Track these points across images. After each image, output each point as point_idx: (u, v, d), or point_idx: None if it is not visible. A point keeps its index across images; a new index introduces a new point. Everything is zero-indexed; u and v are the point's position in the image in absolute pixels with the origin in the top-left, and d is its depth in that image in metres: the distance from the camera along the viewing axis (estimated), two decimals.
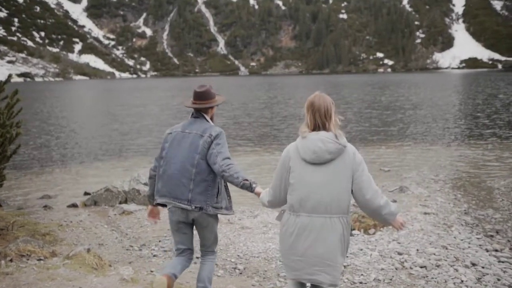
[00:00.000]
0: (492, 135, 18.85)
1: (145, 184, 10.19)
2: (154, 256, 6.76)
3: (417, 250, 6.49)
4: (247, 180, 3.94)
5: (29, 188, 12.20)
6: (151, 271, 5.99)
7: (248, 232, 7.67)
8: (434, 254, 6.30)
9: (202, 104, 4.24)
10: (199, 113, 4.27)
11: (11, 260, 5.73)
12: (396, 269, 5.89)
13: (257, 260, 6.43)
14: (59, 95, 63.74)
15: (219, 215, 4.31)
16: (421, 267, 5.90)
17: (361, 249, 6.63)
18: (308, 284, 3.61)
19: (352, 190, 3.36)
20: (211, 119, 4.31)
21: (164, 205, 4.33)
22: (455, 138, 18.60)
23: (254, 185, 3.95)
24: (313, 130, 3.43)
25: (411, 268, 5.89)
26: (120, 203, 9.87)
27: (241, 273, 6.01)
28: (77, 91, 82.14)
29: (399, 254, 6.38)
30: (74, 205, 10.03)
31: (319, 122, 3.41)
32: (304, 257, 3.36)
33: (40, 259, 6.08)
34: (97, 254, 5.95)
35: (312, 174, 3.34)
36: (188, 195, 4.04)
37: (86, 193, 11.16)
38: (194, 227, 4.33)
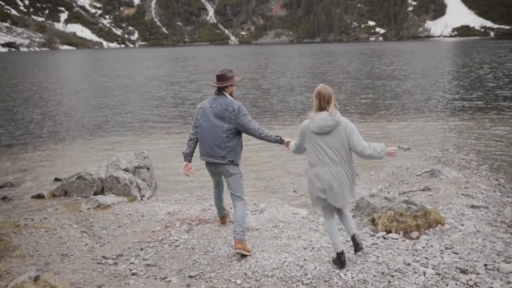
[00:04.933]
0: None
1: (125, 170, 8.43)
2: (133, 274, 5.08)
3: (486, 266, 4.85)
4: (278, 136, 5.55)
5: None
6: None
7: (255, 236, 5.99)
8: None
9: (220, 84, 5.43)
10: (219, 91, 5.49)
11: None
12: None
13: (271, 282, 4.77)
14: (42, 66, 61.03)
15: None
16: None
17: (408, 264, 4.97)
18: None
19: (350, 148, 4.78)
20: (231, 94, 5.54)
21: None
22: (474, 111, 16.83)
23: (283, 138, 5.54)
24: (319, 110, 4.78)
25: None
26: (96, 193, 8.17)
27: None
28: (62, 61, 79.18)
29: (464, 272, 4.74)
30: (40, 196, 8.38)
31: (323, 105, 4.76)
32: (322, 192, 4.83)
33: None
34: (49, 283, 4.23)
35: (320, 140, 4.79)
36: (222, 153, 5.39)
37: (56, 179, 9.47)
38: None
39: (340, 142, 4.74)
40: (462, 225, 5.98)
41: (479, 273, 4.69)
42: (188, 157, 5.66)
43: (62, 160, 11.48)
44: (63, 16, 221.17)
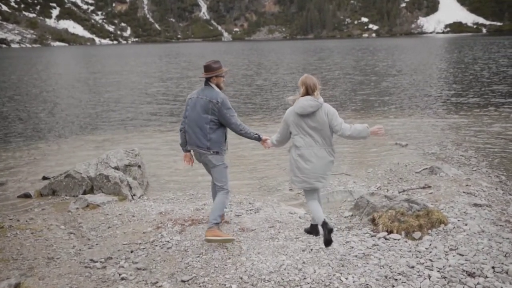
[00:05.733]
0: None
1: (115, 168, 8.14)
2: (123, 279, 4.81)
3: (493, 268, 4.62)
4: (257, 134, 5.67)
5: None
6: None
7: (250, 237, 5.72)
8: None
9: (206, 75, 5.53)
10: (206, 82, 5.58)
11: None
12: None
13: (268, 287, 4.52)
14: (33, 62, 60.41)
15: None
16: None
17: (412, 266, 4.73)
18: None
19: (332, 131, 5.14)
20: (218, 86, 5.60)
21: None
22: (471, 107, 16.60)
23: (261, 136, 5.68)
24: (303, 96, 5.15)
25: None
26: (85, 192, 7.89)
27: None
28: (53, 57, 78.42)
29: (471, 276, 4.50)
30: (26, 196, 8.09)
31: (309, 92, 5.12)
32: (306, 174, 5.16)
33: None
34: None
35: (304, 123, 5.12)
36: (207, 144, 5.46)
37: (44, 178, 9.16)
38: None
39: (322, 125, 5.08)
40: (466, 224, 5.74)
41: (487, 277, 4.46)
42: (184, 146, 5.78)
43: (50, 158, 11.16)
44: (55, 12, 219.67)
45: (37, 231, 6.18)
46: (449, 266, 4.71)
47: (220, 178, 5.64)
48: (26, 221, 6.65)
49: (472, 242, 5.25)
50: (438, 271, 4.64)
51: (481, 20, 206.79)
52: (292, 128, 5.21)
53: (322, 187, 5.39)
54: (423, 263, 4.81)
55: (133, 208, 7.11)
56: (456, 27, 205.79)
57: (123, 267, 5.09)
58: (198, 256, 5.23)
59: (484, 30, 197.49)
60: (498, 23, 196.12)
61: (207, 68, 5.53)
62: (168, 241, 5.69)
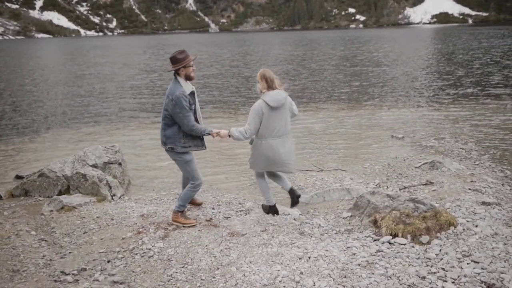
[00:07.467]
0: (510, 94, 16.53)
1: (93, 166, 7.51)
2: None
3: None
4: (207, 131, 5.51)
5: None
6: None
7: (241, 243, 5.16)
8: None
9: (174, 67, 5.39)
10: (174, 74, 5.47)
11: None
12: None
13: None
14: (14, 55, 59.07)
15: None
16: None
17: (423, 277, 4.21)
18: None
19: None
20: (188, 77, 5.48)
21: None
22: (467, 98, 16.08)
23: (210, 130, 5.54)
24: (268, 90, 5.54)
25: None
26: (60, 193, 7.26)
27: None
28: (36, 50, 76.82)
29: None
30: None
31: (270, 84, 5.55)
32: (274, 160, 5.60)
33: None
34: None
35: (275, 115, 5.49)
36: (163, 139, 5.55)
37: (18, 177, 8.51)
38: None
39: (288, 113, 5.64)
40: (476, 226, 5.25)
41: None
42: None
43: (26, 155, 10.44)
44: (39, 3, 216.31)
45: (4, 238, 5.57)
46: (465, 276, 4.20)
47: (184, 172, 5.83)
48: None
49: (487, 247, 4.75)
50: (453, 282, 4.13)
51: (467, 10, 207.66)
52: (264, 120, 5.46)
53: (293, 172, 6.00)
54: (435, 273, 4.30)
55: (113, 210, 6.51)
56: (442, 17, 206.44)
57: (97, 280, 4.52)
58: (183, 267, 4.68)
59: (470, 21, 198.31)
60: (484, 14, 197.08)
61: (173, 60, 5.37)
62: (149, 249, 5.13)
